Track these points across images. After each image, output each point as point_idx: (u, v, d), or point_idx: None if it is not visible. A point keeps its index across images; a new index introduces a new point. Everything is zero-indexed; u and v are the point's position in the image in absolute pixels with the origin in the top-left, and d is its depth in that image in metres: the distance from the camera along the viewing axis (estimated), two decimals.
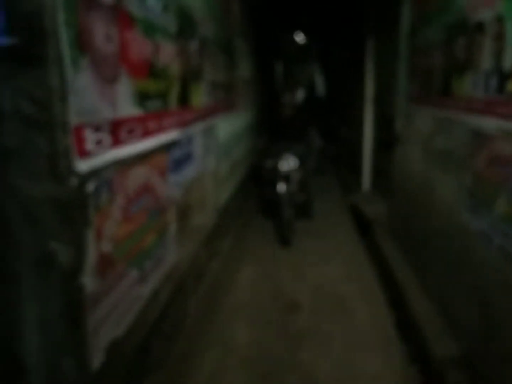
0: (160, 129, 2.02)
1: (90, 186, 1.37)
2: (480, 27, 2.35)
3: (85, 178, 1.33)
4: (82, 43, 1.29)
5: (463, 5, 2.59)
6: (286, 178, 4.43)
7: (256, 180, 5.80)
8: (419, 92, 3.69)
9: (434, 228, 3.11)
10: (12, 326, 1.28)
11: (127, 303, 1.72)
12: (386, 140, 4.66)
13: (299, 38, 12.05)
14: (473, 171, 2.49)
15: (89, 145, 1.35)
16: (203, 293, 3.01)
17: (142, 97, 1.78)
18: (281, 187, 4.28)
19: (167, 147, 2.15)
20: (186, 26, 2.41)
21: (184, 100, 2.42)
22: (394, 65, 4.34)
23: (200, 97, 2.83)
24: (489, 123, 2.28)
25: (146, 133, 1.85)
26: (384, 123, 4.97)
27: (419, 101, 3.70)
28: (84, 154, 1.32)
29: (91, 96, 1.37)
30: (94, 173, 1.39)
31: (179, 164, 2.38)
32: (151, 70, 1.89)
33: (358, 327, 2.91)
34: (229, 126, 4.08)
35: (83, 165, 1.31)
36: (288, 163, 4.48)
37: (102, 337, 1.50)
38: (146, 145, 1.85)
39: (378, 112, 5.50)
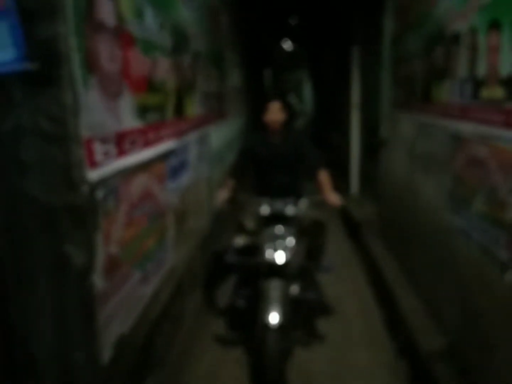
0: (158, 139, 2.16)
1: (100, 194, 1.50)
2: (456, 38, 2.52)
3: (95, 186, 1.46)
4: (90, 64, 1.43)
5: (440, 18, 2.76)
6: (280, 276, 2.47)
7: (217, 278, 3.56)
8: (402, 98, 3.87)
9: (419, 227, 3.27)
10: (28, 323, 1.40)
11: (132, 302, 1.84)
12: (372, 145, 4.83)
13: (287, 45, 12.27)
14: (453, 173, 2.65)
15: (98, 156, 1.48)
16: (199, 293, 3.14)
17: (142, 110, 1.92)
18: (273, 316, 2.25)
19: (165, 156, 2.28)
20: (180, 41, 2.56)
21: (179, 111, 2.56)
22: (378, 73, 4.52)
23: (194, 107, 2.98)
24: (466, 127, 2.44)
25: (147, 144, 1.98)
26: (370, 129, 5.15)
27: (402, 107, 3.87)
28: (93, 164, 1.45)
29: (99, 111, 1.50)
30: (102, 181, 1.52)
31: (176, 171, 2.51)
32: (149, 84, 2.03)
33: (350, 323, 3.06)
34: (221, 134, 4.23)
35: (93, 175, 1.44)
36: (285, 248, 2.49)
37: (110, 333, 1.62)
38: (147, 154, 1.98)
39: (364, 118, 5.68)
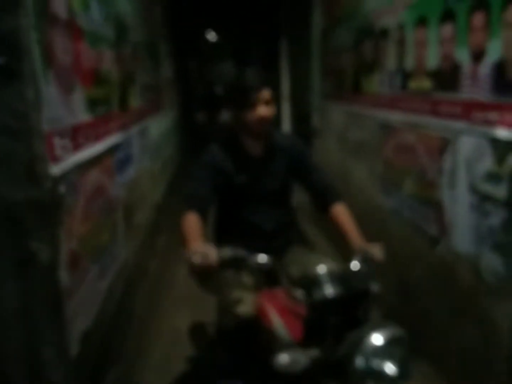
0: (107, 133, 2.14)
1: (62, 189, 1.49)
2: (384, 32, 2.73)
3: (57, 181, 1.45)
4: (48, 58, 1.41)
5: (369, 13, 2.96)
6: None
7: None
8: (332, 90, 4.09)
9: (355, 211, 3.51)
10: None
11: (92, 297, 1.84)
12: (304, 135, 5.02)
13: (213, 36, 12.25)
14: (384, 158, 2.89)
15: (58, 150, 1.47)
16: (148, 287, 3.14)
17: (92, 104, 1.90)
18: None
19: (112, 149, 2.27)
20: (121, 33, 2.53)
21: (123, 103, 2.54)
22: (308, 65, 4.71)
23: (136, 100, 2.95)
24: (394, 117, 2.67)
25: (97, 137, 1.97)
26: (302, 119, 5.35)
27: (332, 98, 4.09)
28: (55, 159, 1.44)
29: (57, 105, 1.48)
30: (64, 176, 1.51)
31: (122, 165, 2.50)
32: (97, 77, 2.01)
33: None
34: (158, 126, 4.20)
35: (55, 169, 1.43)
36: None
37: (76, 329, 1.62)
38: (98, 148, 1.97)
39: (295, 109, 5.88)
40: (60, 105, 1.52)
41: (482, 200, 1.80)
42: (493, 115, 1.70)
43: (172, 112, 5.96)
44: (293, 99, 5.84)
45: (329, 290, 1.26)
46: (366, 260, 1.48)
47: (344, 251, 1.75)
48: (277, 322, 1.47)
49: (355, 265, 1.45)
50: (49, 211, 1.41)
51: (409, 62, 2.40)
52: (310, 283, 1.31)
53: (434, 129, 2.18)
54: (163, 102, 4.73)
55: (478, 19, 1.74)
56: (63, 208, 1.51)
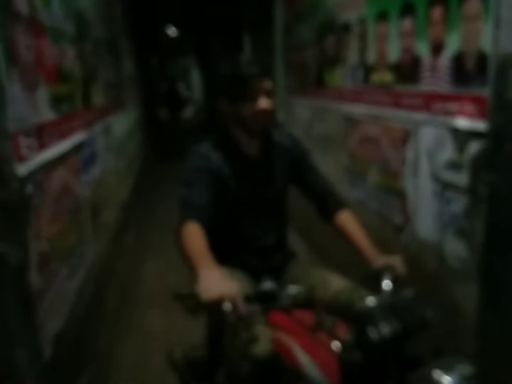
0: (71, 131, 2.10)
1: (29, 189, 1.45)
2: (346, 27, 2.78)
3: (24, 181, 1.42)
4: (11, 56, 1.37)
5: (331, 8, 3.01)
6: None
7: None
8: (296, 84, 4.14)
9: None
10: None
11: (62, 298, 1.81)
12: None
13: (173, 32, 12.09)
14: (348, 151, 2.95)
15: (23, 150, 1.43)
16: (118, 287, 3.10)
17: (56, 102, 1.86)
18: None
19: (77, 148, 2.22)
20: (82, 29, 2.47)
21: (86, 101, 2.49)
22: (272, 60, 4.74)
23: (98, 97, 2.90)
24: (358, 109, 2.73)
25: (62, 136, 1.93)
26: None
27: (297, 93, 4.14)
28: (20, 159, 1.40)
29: (21, 104, 1.44)
30: (30, 176, 1.47)
31: (87, 163, 2.45)
32: (60, 74, 1.96)
33: None
34: (122, 123, 4.14)
35: (21, 169, 1.39)
36: None
37: (48, 331, 1.59)
38: (63, 147, 1.93)
39: None
40: (24, 104, 1.48)
41: (444, 188, 1.88)
42: (452, 106, 1.77)
43: (135, 109, 5.87)
44: None
45: (385, 328, 1.04)
46: (394, 277, 1.31)
47: (331, 262, 1.74)
48: (306, 361, 1.19)
49: (387, 284, 1.29)
50: (17, 212, 1.38)
51: (371, 56, 2.46)
52: (360, 319, 1.09)
53: (396, 120, 2.25)
54: (126, 99, 4.65)
55: (437, 13, 1.81)
56: (31, 208, 1.47)
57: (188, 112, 16.09)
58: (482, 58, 1.58)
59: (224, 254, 1.49)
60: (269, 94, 1.46)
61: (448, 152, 1.83)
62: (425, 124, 1.99)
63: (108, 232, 3.03)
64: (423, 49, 1.94)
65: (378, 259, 1.43)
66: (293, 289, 1.23)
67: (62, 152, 1.91)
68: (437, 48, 1.84)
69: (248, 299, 1.16)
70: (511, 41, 1.49)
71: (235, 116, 1.49)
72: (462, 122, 1.71)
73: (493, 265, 1.60)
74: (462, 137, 1.73)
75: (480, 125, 1.60)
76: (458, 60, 1.71)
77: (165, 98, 14.12)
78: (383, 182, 2.46)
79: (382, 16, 2.26)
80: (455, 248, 1.84)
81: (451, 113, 1.78)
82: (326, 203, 1.66)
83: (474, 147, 1.66)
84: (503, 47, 1.50)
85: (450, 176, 1.83)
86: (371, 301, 1.14)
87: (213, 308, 1.11)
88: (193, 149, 1.53)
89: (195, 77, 15.82)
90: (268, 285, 1.23)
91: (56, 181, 1.82)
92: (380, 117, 2.43)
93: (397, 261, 1.40)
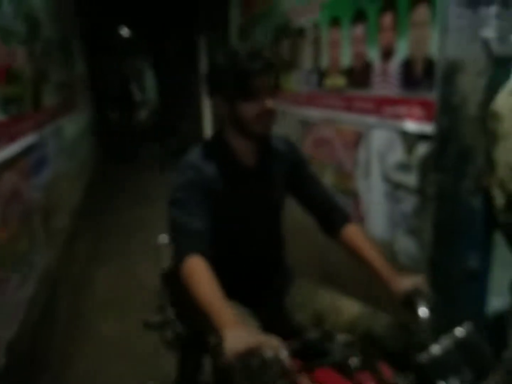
0: (21, 133, 2.03)
1: None
2: (301, 32, 2.82)
3: None
4: None
5: (286, 12, 3.04)
6: None
7: None
8: None
9: None
10: None
11: (14, 307, 1.74)
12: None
13: (126, 32, 11.86)
14: (304, 153, 3.00)
15: None
16: (71, 293, 3.02)
17: (5, 103, 1.79)
18: None
19: (27, 150, 2.15)
20: (33, 29, 2.39)
21: (37, 102, 2.41)
22: None
23: (49, 98, 2.81)
24: (312, 113, 2.78)
25: (11, 138, 1.86)
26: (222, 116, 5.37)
27: None
28: None
29: None
30: None
31: (38, 167, 2.37)
32: (9, 75, 1.89)
33: None
34: (74, 125, 4.02)
35: None
36: None
37: (0, 340, 1.53)
38: (12, 149, 1.86)
39: (216, 108, 5.89)
40: None
41: (395, 188, 1.95)
42: (401, 110, 1.85)
43: (87, 111, 5.72)
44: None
45: (457, 381, 0.91)
46: (426, 302, 1.13)
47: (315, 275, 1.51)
48: None
49: (424, 312, 1.10)
50: None
51: (325, 61, 2.52)
52: (425, 370, 0.93)
53: (349, 123, 2.32)
54: (78, 101, 4.53)
55: (387, 19, 1.88)
56: None
57: (142, 114, 15.80)
58: (429, 64, 1.66)
59: (222, 283, 1.12)
60: (273, 92, 1.27)
61: (397, 154, 1.90)
62: (376, 127, 2.06)
63: (61, 238, 2.94)
64: (374, 55, 2.01)
65: (400, 281, 1.21)
66: (341, 339, 1.01)
67: (11, 155, 1.84)
68: (387, 54, 1.92)
69: (291, 353, 0.92)
70: (457, 47, 1.58)
71: (232, 117, 1.25)
72: (411, 125, 1.79)
73: (441, 260, 1.69)
74: (410, 140, 1.81)
75: (427, 128, 1.69)
76: (407, 66, 1.79)
77: (117, 100, 13.81)
78: (338, 183, 2.52)
79: (335, 22, 2.32)
80: (406, 246, 1.92)
81: (400, 117, 1.85)
82: (330, 217, 1.45)
83: (422, 149, 1.75)
84: (450, 53, 1.58)
85: (399, 177, 1.91)
86: (436, 349, 0.95)
87: (242, 363, 0.88)
88: (182, 159, 1.28)
89: (150, 79, 15.56)
90: (312, 335, 1.04)
91: (6, 185, 1.75)
92: (334, 121, 2.49)
93: (424, 283, 1.20)
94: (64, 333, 2.65)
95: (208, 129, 6.01)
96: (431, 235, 1.69)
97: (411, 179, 1.82)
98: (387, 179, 2.02)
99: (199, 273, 1.09)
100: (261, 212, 1.37)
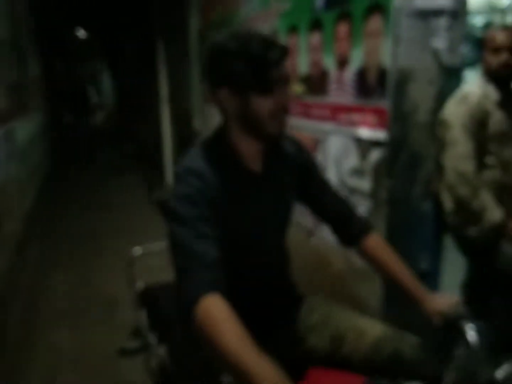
0: None
1: None
2: None
3: None
4: None
5: (245, 18, 3.07)
6: None
7: None
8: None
9: None
10: None
11: None
12: (186, 136, 5.02)
13: (82, 34, 11.59)
14: None
15: None
16: (22, 302, 2.90)
17: None
18: None
19: None
20: None
21: None
22: (187, 67, 4.72)
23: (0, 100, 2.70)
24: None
25: None
26: (182, 121, 5.33)
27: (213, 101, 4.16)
28: None
29: None
30: None
31: None
32: None
33: None
34: (26, 129, 3.88)
35: None
36: None
37: None
38: None
39: (175, 111, 5.82)
40: None
41: (350, 193, 2.01)
42: (356, 117, 1.90)
43: (40, 114, 5.54)
44: (172, 102, 5.79)
45: None
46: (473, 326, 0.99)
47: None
48: None
49: (472, 336, 0.96)
50: None
51: None
52: None
53: (307, 130, 2.36)
54: (31, 104, 4.38)
55: (343, 29, 1.94)
56: None
57: (99, 117, 15.45)
58: (382, 72, 1.72)
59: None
60: (288, 84, 1.08)
61: (352, 160, 1.96)
62: (332, 134, 2.11)
63: (11, 244, 2.83)
64: (330, 63, 2.07)
65: (435, 301, 1.11)
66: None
67: None
68: (342, 62, 1.97)
69: None
70: (409, 57, 1.65)
71: (242, 113, 1.05)
72: (365, 132, 1.84)
73: None
74: (364, 146, 1.87)
75: (380, 134, 1.74)
76: (362, 74, 1.85)
77: (72, 102, 13.46)
78: None
79: (293, 30, 2.37)
80: None
81: (355, 124, 1.91)
82: (348, 226, 1.27)
83: (375, 155, 1.80)
84: (401, 62, 1.65)
85: (354, 182, 1.96)
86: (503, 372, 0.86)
87: None
88: (182, 165, 1.06)
89: (106, 81, 15.25)
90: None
91: None
92: (292, 127, 2.53)
93: (462, 304, 1.08)
94: (14, 344, 2.54)
95: (167, 135, 5.94)
96: (384, 238, 1.74)
97: (365, 184, 1.88)
98: (343, 184, 2.07)
99: (222, 317, 0.87)
100: (269, 227, 1.17)
